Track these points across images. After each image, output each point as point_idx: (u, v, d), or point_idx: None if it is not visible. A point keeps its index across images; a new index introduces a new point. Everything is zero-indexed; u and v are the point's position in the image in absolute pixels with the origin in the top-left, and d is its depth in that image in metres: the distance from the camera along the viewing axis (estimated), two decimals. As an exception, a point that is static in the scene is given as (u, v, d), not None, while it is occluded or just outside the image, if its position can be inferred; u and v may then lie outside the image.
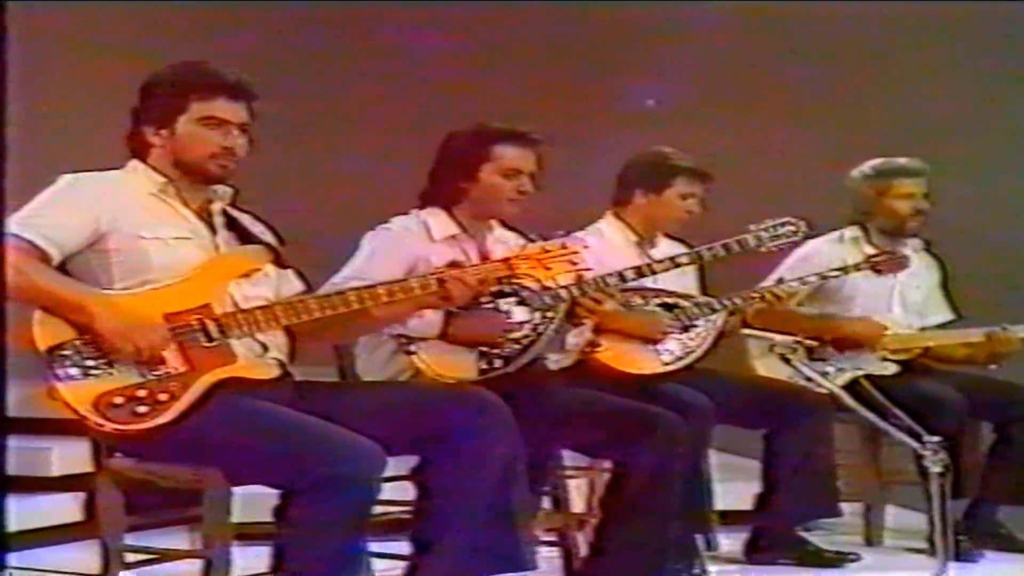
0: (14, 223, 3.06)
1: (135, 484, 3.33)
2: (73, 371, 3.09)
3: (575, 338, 4.16)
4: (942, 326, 5.07)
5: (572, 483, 4.31)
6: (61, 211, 3.22)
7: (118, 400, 3.09)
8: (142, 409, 3.09)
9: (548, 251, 3.44)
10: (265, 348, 3.30)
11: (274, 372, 3.30)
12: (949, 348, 4.95)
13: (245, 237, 3.40)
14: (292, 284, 3.42)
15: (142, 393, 3.10)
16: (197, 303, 3.20)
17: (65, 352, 3.09)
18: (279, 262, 3.40)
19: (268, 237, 3.44)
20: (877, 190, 4.99)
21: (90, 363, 3.09)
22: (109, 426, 3.09)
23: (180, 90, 3.30)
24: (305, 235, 3.61)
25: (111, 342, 3.09)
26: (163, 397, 3.11)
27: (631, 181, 4.58)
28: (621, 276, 4.02)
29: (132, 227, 3.23)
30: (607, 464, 4.17)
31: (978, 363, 4.92)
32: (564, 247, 3.44)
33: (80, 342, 3.10)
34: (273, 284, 3.39)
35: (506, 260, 3.46)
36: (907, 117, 5.96)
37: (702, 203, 4.56)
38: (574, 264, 3.46)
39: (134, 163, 3.35)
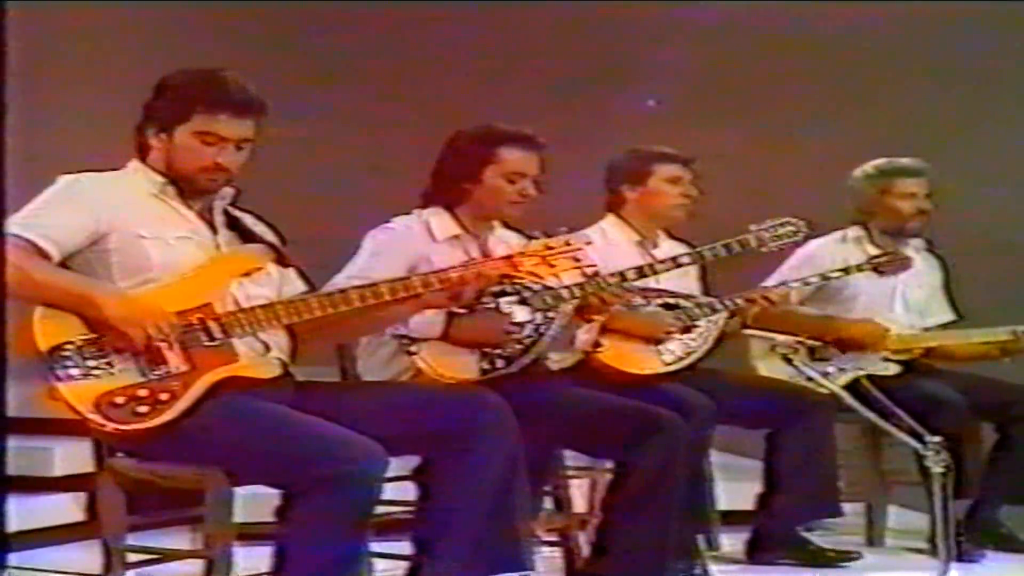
0: (14, 223, 3.05)
1: (136, 484, 3.33)
2: (74, 371, 3.08)
3: (585, 335, 4.16)
4: (944, 327, 5.08)
5: (574, 483, 4.31)
6: (61, 211, 3.22)
7: (119, 400, 3.08)
8: (143, 409, 3.09)
9: (552, 248, 3.43)
10: (267, 348, 3.29)
11: (275, 371, 3.30)
12: (959, 347, 4.95)
13: (246, 236, 3.39)
14: (294, 284, 3.42)
15: (143, 393, 3.09)
16: (198, 302, 3.19)
17: (66, 352, 3.08)
18: (281, 261, 3.39)
19: (270, 236, 3.44)
20: (879, 190, 4.99)
21: (91, 363, 3.09)
22: (110, 426, 3.09)
23: (185, 100, 3.28)
24: (307, 234, 3.60)
25: (122, 331, 3.09)
26: (164, 396, 3.10)
27: (615, 180, 4.60)
28: (622, 276, 4.02)
29: (132, 227, 3.23)
30: (609, 464, 4.17)
31: (991, 359, 4.92)
32: (568, 244, 3.44)
33: (81, 342, 3.09)
34: (275, 284, 3.38)
35: (509, 258, 3.46)
36: (908, 117, 5.96)
37: (696, 188, 4.55)
38: (577, 261, 3.46)
39: (134, 163, 3.35)
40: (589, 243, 3.49)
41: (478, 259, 3.49)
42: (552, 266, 3.43)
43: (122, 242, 3.22)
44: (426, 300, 3.39)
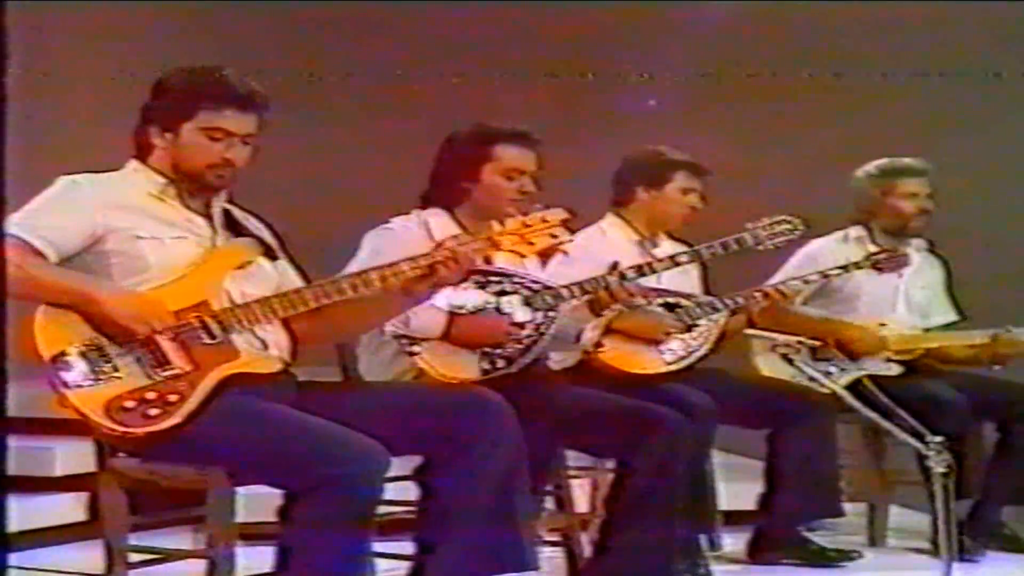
0: (12, 224, 3.03)
1: (138, 484, 3.32)
2: (80, 377, 3.07)
3: (591, 332, 4.15)
4: (947, 327, 5.07)
5: (575, 483, 4.31)
6: (59, 213, 3.21)
7: (129, 404, 3.07)
8: (153, 411, 3.08)
9: (529, 225, 3.43)
10: (265, 345, 3.29)
11: (276, 366, 3.29)
12: (952, 349, 4.95)
13: (243, 235, 3.38)
14: (292, 280, 3.40)
15: (151, 395, 3.09)
16: (194, 301, 3.19)
17: (69, 358, 3.07)
18: (270, 255, 3.38)
19: (264, 233, 3.43)
20: (882, 190, 4.99)
21: (96, 368, 3.08)
22: (122, 430, 3.08)
23: (189, 97, 3.28)
24: (306, 235, 3.60)
25: (124, 327, 3.08)
26: (173, 398, 3.10)
27: (631, 179, 4.59)
28: (622, 275, 4.01)
29: (130, 228, 3.22)
30: (610, 464, 4.16)
31: (982, 364, 4.92)
32: (544, 220, 3.43)
33: (83, 347, 3.09)
34: (273, 280, 3.37)
35: (489, 237, 3.46)
36: (908, 117, 5.96)
37: (702, 199, 4.56)
38: (555, 237, 3.45)
39: (134, 164, 3.34)
40: (566, 219, 3.47)
41: (461, 237, 3.46)
42: (531, 243, 3.42)
43: (120, 244, 3.21)
44: (417, 288, 3.36)
